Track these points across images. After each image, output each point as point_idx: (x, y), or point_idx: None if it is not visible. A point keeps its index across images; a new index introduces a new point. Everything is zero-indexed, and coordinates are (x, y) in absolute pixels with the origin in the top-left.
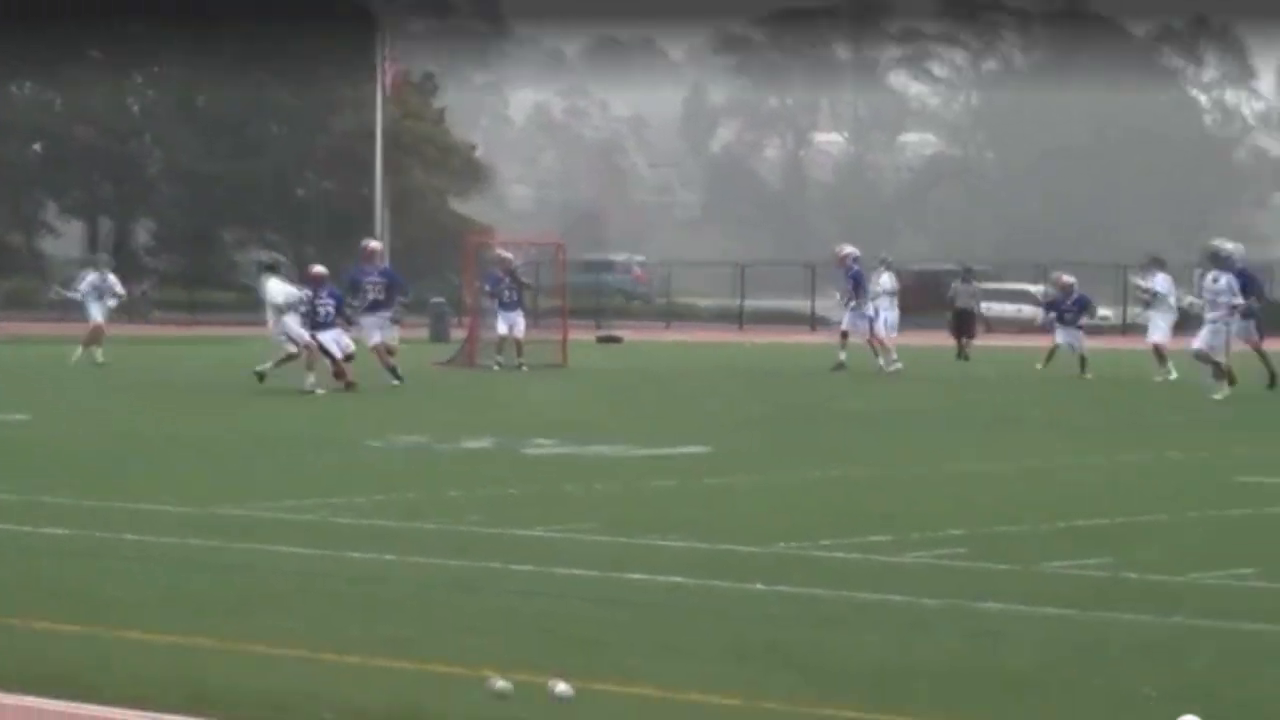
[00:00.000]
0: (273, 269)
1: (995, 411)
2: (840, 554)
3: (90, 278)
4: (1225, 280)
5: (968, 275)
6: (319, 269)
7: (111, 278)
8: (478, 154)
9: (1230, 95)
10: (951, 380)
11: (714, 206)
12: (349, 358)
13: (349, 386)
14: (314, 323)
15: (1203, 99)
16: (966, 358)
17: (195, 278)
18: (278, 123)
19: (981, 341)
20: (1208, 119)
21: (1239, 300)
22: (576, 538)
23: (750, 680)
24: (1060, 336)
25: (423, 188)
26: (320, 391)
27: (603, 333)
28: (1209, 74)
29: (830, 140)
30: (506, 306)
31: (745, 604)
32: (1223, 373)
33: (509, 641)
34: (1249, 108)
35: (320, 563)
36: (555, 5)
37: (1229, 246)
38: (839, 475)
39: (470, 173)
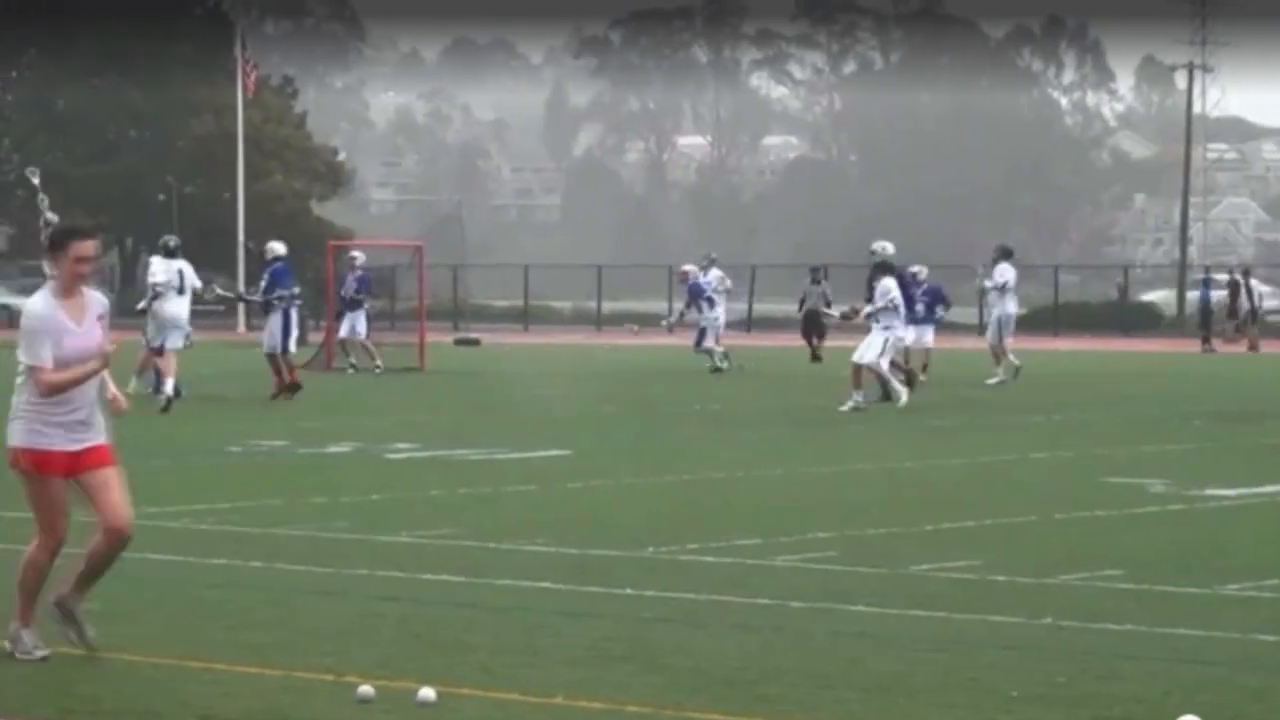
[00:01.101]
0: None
1: (854, 413)
2: (709, 557)
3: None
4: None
5: (817, 276)
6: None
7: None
8: (339, 158)
9: (1090, 97)
10: (808, 381)
11: (574, 209)
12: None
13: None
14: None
15: (1063, 101)
16: (819, 359)
17: None
18: (137, 126)
19: (840, 342)
20: (1068, 120)
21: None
22: (441, 543)
23: (615, 684)
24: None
25: (284, 191)
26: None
27: (460, 335)
28: (1069, 76)
29: (692, 143)
30: (350, 307)
31: (612, 608)
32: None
33: (374, 647)
34: (1109, 109)
35: (183, 569)
36: (408, 6)
37: (889, 248)
38: (703, 478)
39: (331, 176)
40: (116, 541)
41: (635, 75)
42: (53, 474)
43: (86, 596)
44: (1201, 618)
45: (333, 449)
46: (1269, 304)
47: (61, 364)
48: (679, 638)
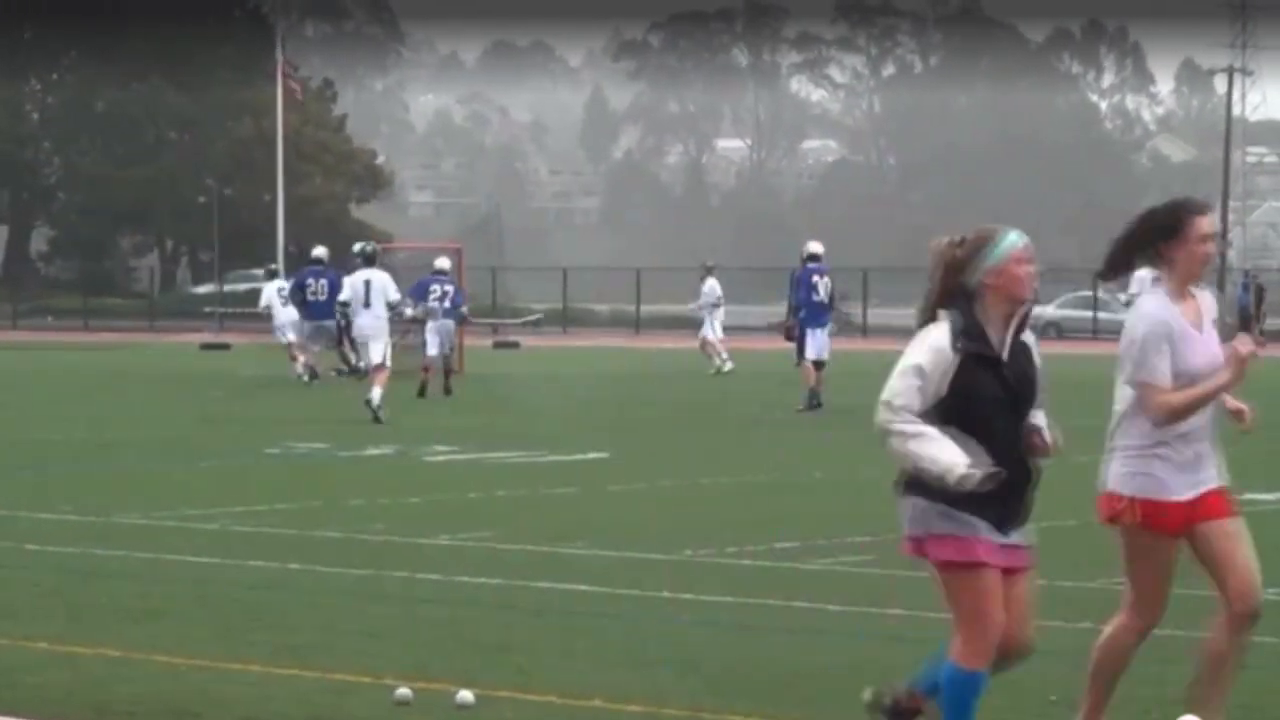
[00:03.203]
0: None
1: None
2: (747, 561)
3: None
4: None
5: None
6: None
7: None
8: (378, 160)
9: (1130, 100)
10: (848, 383)
11: (613, 212)
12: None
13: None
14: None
15: (1102, 104)
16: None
17: (91, 285)
18: (177, 129)
19: (872, 346)
20: (1108, 124)
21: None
22: (479, 545)
23: (653, 687)
24: None
25: (322, 194)
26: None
27: (500, 338)
28: (1108, 79)
29: (731, 146)
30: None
31: (650, 611)
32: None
33: (412, 649)
34: (1149, 113)
35: (222, 571)
36: (448, 9)
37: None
38: (742, 481)
39: (370, 179)
40: (1243, 624)
41: (674, 78)
42: (1166, 530)
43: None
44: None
45: (371, 451)
46: None
47: (1186, 381)
48: (717, 641)
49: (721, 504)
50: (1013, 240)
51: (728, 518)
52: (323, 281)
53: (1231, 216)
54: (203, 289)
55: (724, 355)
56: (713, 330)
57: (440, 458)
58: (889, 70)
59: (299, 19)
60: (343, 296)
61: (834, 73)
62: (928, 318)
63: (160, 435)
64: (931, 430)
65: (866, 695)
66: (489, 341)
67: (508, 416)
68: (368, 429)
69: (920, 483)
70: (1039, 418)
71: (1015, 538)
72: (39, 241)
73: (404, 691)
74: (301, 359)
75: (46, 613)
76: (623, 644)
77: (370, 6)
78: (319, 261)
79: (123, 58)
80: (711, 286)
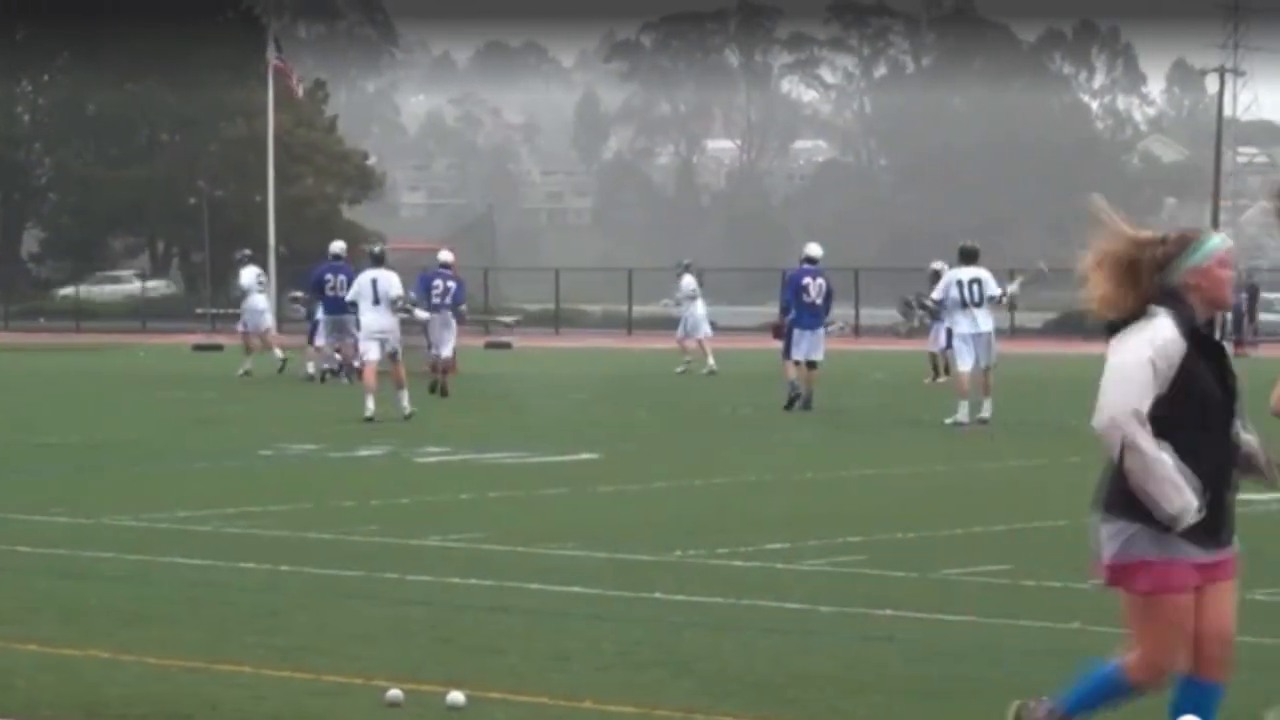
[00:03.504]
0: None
1: (886, 415)
2: (738, 562)
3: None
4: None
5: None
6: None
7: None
8: (370, 161)
9: (1121, 101)
10: (839, 384)
11: (605, 213)
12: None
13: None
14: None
15: (1094, 105)
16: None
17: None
18: (168, 130)
19: (864, 347)
20: (1099, 124)
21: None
22: (471, 547)
23: (645, 688)
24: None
25: (314, 195)
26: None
27: (492, 339)
28: (1099, 80)
29: (722, 147)
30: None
31: (642, 612)
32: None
33: (403, 650)
34: (1140, 113)
35: (213, 573)
36: (441, 10)
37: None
38: (733, 481)
39: (362, 180)
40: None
41: (666, 78)
42: None
43: None
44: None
45: (363, 452)
46: None
47: None
48: (709, 642)
49: (713, 505)
50: (1216, 243)
51: (719, 519)
52: (341, 277)
53: (1223, 217)
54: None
55: (688, 359)
56: (684, 329)
57: (432, 459)
58: (880, 71)
59: (291, 20)
60: (349, 296)
61: (825, 73)
62: (1130, 316)
63: (152, 437)
64: (1167, 457)
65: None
66: (481, 342)
67: (500, 417)
68: (360, 430)
69: (1130, 503)
70: (1247, 434)
71: (1220, 553)
72: (30, 243)
73: (395, 693)
74: (313, 358)
75: (38, 615)
76: (614, 645)
77: (363, 7)
78: (338, 257)
79: (114, 59)
80: (688, 283)
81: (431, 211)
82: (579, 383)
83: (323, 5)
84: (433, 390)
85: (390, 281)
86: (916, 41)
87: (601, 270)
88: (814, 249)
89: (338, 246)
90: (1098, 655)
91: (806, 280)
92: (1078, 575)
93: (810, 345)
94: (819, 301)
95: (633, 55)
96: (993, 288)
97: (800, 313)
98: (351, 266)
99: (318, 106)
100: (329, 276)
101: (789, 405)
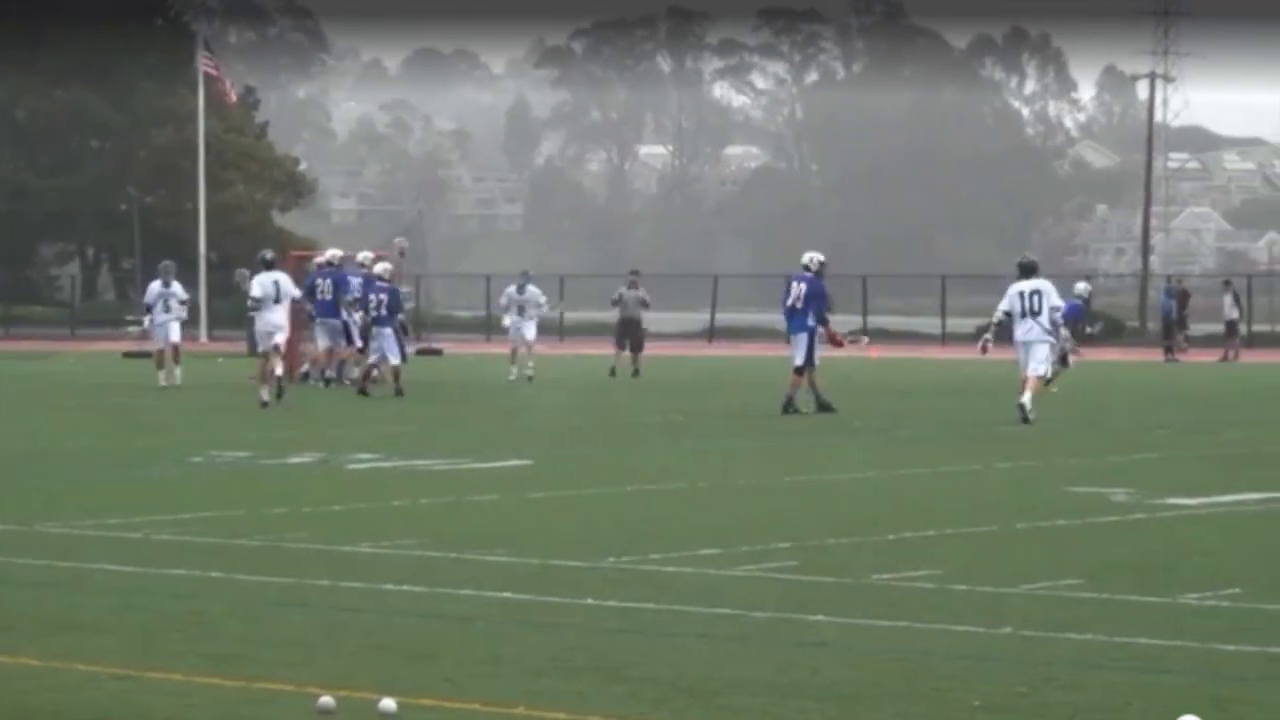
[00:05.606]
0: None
1: (822, 422)
2: (670, 568)
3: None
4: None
5: (635, 281)
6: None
7: (176, 287)
8: (300, 168)
9: (1052, 107)
10: (772, 390)
11: (536, 219)
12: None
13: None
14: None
15: (1024, 111)
16: (636, 373)
17: (12, 292)
18: (99, 137)
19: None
20: (1029, 130)
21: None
22: (403, 553)
23: (578, 694)
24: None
25: (244, 202)
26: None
27: (423, 345)
28: (1030, 86)
29: (654, 153)
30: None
31: (574, 618)
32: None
33: (335, 657)
34: (1071, 119)
35: (144, 580)
36: (372, 17)
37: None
38: (666, 488)
39: (292, 186)
40: None
41: (597, 85)
42: None
43: None
44: (1162, 627)
45: (295, 459)
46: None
47: None
48: (641, 648)
49: (645, 512)
50: None
51: (651, 525)
52: (328, 281)
53: (1154, 222)
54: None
55: (516, 369)
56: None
57: (364, 465)
58: (812, 77)
59: (221, 26)
60: (257, 294)
61: (757, 79)
62: None
63: (83, 444)
64: None
65: None
66: (412, 349)
67: (432, 424)
68: (291, 437)
69: None
70: None
71: None
72: None
73: (327, 700)
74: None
75: None
76: (547, 652)
77: (294, 14)
78: (329, 264)
79: (44, 66)
80: (533, 293)
81: (362, 218)
82: (511, 389)
83: (253, 11)
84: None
85: (289, 283)
86: (847, 47)
87: (534, 277)
88: (806, 255)
89: (333, 253)
90: (1030, 660)
91: (792, 284)
92: (1009, 579)
93: (795, 349)
94: (797, 306)
95: (563, 62)
96: (1054, 299)
97: (786, 318)
98: (343, 272)
99: (248, 113)
100: (319, 281)
101: (800, 410)
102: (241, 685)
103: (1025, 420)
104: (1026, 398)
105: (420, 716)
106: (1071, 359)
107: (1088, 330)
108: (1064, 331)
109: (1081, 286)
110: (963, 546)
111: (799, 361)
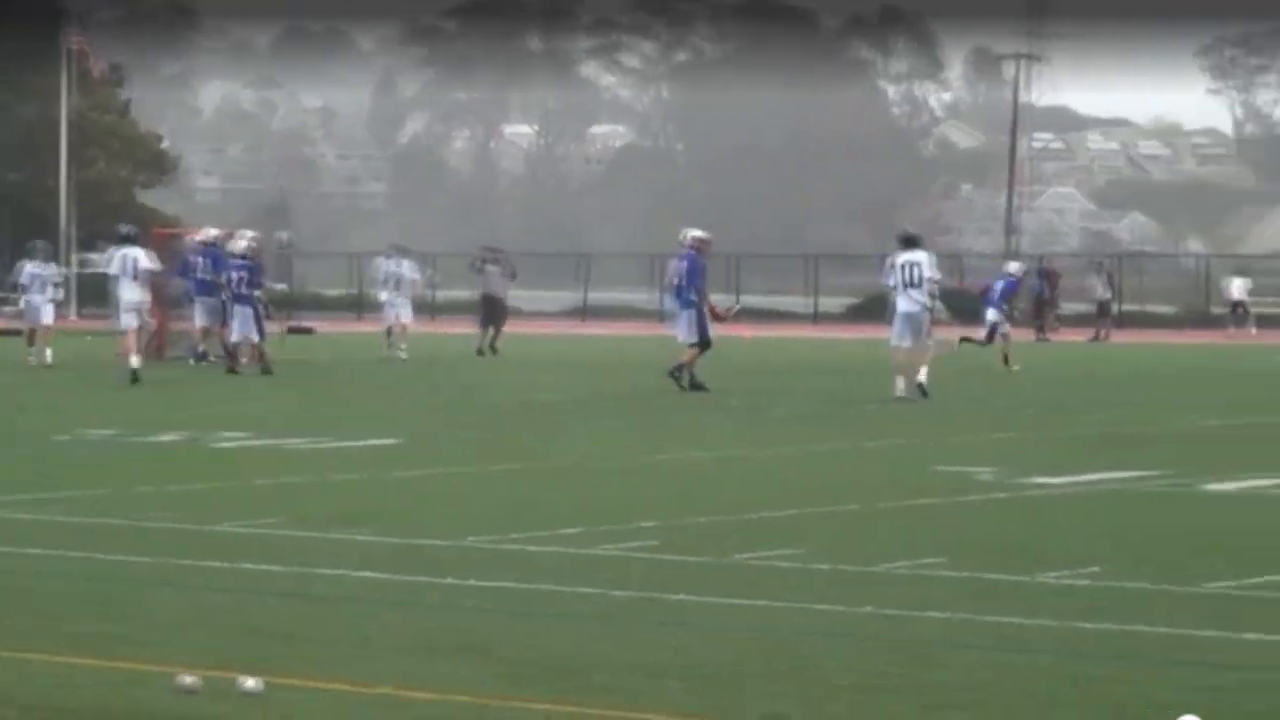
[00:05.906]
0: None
1: (686, 401)
2: (532, 547)
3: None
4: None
5: (495, 256)
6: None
7: (51, 267)
8: (164, 145)
9: (918, 88)
10: (642, 370)
11: (402, 197)
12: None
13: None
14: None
15: (891, 91)
16: (495, 350)
17: None
18: None
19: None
20: (896, 111)
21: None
22: (265, 532)
23: (443, 674)
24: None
25: (108, 179)
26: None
27: (294, 324)
28: (898, 66)
29: (519, 132)
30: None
31: (438, 598)
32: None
33: (198, 637)
34: (936, 100)
35: (3, 560)
36: None
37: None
38: (531, 467)
39: (156, 164)
40: None
41: (465, 64)
42: None
43: None
44: (1023, 606)
45: (161, 438)
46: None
47: None
48: (504, 628)
49: (508, 491)
50: None
51: (514, 504)
52: (207, 260)
53: (1019, 202)
54: None
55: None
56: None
57: (230, 444)
58: (681, 57)
59: (91, 2)
60: (111, 270)
61: (626, 58)
62: None
63: None
64: None
65: None
66: (281, 327)
67: (300, 403)
68: (158, 415)
69: None
70: None
71: None
72: None
73: (189, 679)
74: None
75: None
76: (410, 631)
77: None
78: (207, 243)
79: None
80: (406, 267)
81: (226, 196)
82: (379, 368)
83: None
84: (265, 372)
85: (142, 258)
86: (718, 27)
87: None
88: (682, 233)
89: (213, 232)
90: (893, 638)
91: (674, 262)
92: (872, 558)
93: (678, 326)
94: (675, 282)
95: (432, 40)
96: (929, 270)
97: (673, 296)
98: (219, 250)
99: (112, 90)
100: (199, 260)
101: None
102: (103, 665)
103: (925, 395)
104: (923, 374)
105: (286, 696)
106: (999, 337)
107: (1013, 312)
108: (938, 304)
109: (1015, 266)
110: (826, 525)
111: (692, 338)
